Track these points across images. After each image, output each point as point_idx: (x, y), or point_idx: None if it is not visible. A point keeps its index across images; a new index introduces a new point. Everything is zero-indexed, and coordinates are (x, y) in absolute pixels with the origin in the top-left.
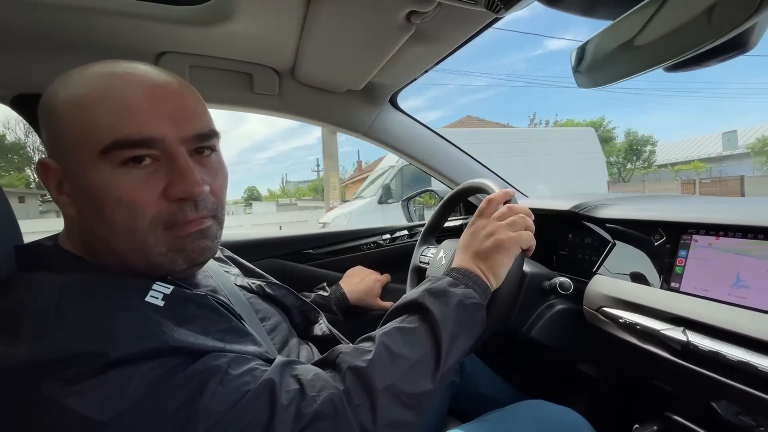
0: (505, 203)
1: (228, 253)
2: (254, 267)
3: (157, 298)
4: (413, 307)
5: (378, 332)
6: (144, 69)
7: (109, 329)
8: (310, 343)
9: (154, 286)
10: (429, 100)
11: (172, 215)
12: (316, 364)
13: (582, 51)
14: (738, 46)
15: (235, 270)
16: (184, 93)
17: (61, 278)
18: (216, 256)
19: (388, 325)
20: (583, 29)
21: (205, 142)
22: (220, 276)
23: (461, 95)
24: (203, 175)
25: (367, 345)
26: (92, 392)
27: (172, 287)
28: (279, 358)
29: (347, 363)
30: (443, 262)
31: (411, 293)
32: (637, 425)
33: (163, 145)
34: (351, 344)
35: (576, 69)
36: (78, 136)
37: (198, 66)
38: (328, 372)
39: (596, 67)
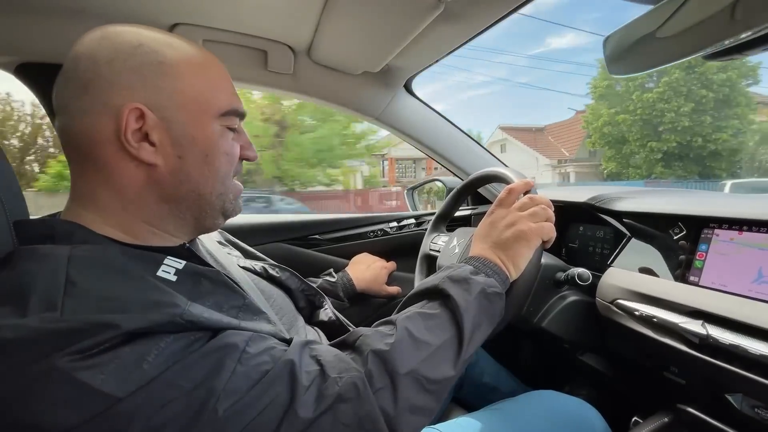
0: (525, 193)
1: (227, 236)
2: (254, 250)
3: (170, 273)
4: (434, 293)
5: (399, 316)
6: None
7: (121, 300)
8: (316, 328)
9: (166, 261)
10: (426, 95)
11: (239, 169)
12: (334, 345)
13: (615, 39)
14: None
15: (236, 252)
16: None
17: (70, 249)
18: (217, 239)
19: (408, 309)
20: (586, 28)
21: (243, 119)
22: (224, 257)
23: (460, 91)
24: None
25: (387, 329)
26: (107, 366)
27: (184, 262)
28: (297, 338)
29: (369, 346)
30: (456, 250)
31: (431, 279)
32: (636, 417)
33: (241, 121)
34: (370, 327)
35: (609, 56)
36: (200, 95)
37: (211, 40)
38: (347, 354)
39: (629, 55)
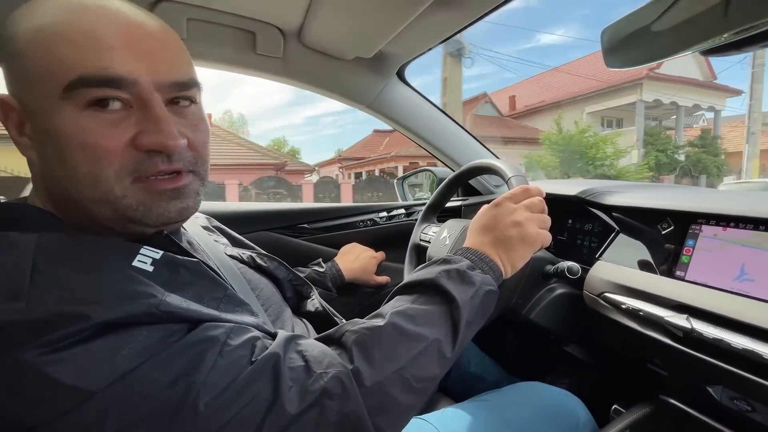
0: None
1: (215, 222)
2: (243, 238)
3: (146, 263)
4: (427, 287)
5: (388, 310)
6: (120, 3)
7: (92, 289)
8: (304, 319)
9: (142, 250)
10: (418, 86)
11: (140, 165)
12: (320, 340)
13: (612, 30)
14: None
15: (224, 240)
16: (164, 36)
17: (38, 237)
18: (204, 225)
19: (398, 303)
20: (574, 26)
21: (184, 91)
22: (210, 245)
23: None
24: (180, 127)
25: (376, 323)
26: (78, 359)
27: (161, 252)
28: (282, 332)
29: (356, 341)
30: (447, 242)
31: (424, 272)
32: (615, 405)
33: (135, 89)
34: (358, 320)
35: (606, 48)
36: (40, 71)
37: (197, 19)
38: (334, 349)
39: (623, 47)
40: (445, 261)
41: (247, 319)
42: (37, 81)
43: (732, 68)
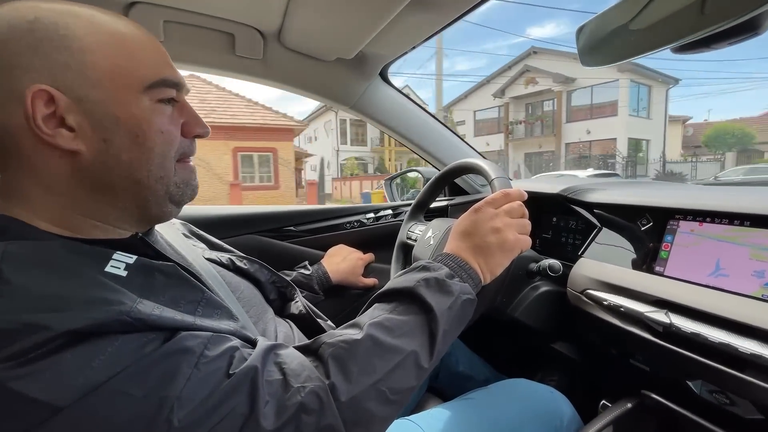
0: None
1: (191, 227)
2: (220, 242)
3: (119, 268)
4: (406, 296)
5: (365, 320)
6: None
7: (58, 298)
8: (288, 320)
9: (115, 255)
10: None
11: (186, 149)
12: (299, 349)
13: (587, 30)
14: (750, 28)
15: (201, 245)
16: None
17: (5, 245)
18: (181, 231)
19: (376, 312)
20: (565, 19)
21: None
22: (188, 249)
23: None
24: None
25: (353, 334)
26: (45, 373)
27: (135, 257)
28: (261, 342)
29: (332, 355)
30: (431, 242)
31: (402, 280)
32: (604, 401)
33: (181, 93)
34: (335, 330)
35: (581, 48)
36: (116, 67)
37: (173, 21)
38: (311, 361)
39: (600, 46)
40: (424, 268)
41: (226, 324)
42: (112, 76)
43: None
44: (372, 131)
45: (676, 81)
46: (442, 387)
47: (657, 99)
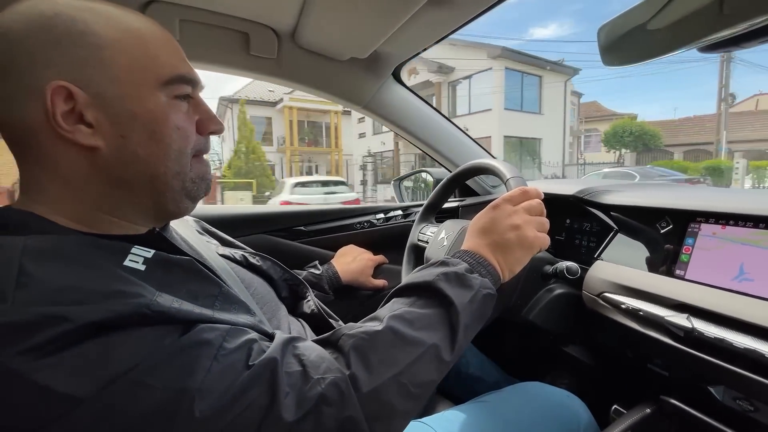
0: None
1: (204, 224)
2: (231, 239)
3: (138, 262)
4: (425, 290)
5: (386, 313)
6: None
7: (79, 290)
8: (300, 319)
9: (134, 250)
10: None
11: (202, 145)
12: (317, 342)
13: (608, 28)
14: None
15: (214, 241)
16: None
17: (25, 239)
18: (195, 228)
19: (396, 305)
20: (568, 18)
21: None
22: (202, 245)
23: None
24: None
25: (373, 325)
26: (68, 364)
27: (153, 251)
28: (280, 335)
29: (353, 346)
30: (444, 243)
31: (422, 274)
32: (616, 405)
33: (196, 90)
34: (355, 324)
35: (603, 47)
36: (134, 63)
37: (189, 20)
38: (330, 353)
39: (620, 45)
40: (443, 263)
41: (243, 318)
42: (129, 71)
43: None
44: (278, 129)
45: (575, 71)
46: (452, 389)
47: (555, 92)
